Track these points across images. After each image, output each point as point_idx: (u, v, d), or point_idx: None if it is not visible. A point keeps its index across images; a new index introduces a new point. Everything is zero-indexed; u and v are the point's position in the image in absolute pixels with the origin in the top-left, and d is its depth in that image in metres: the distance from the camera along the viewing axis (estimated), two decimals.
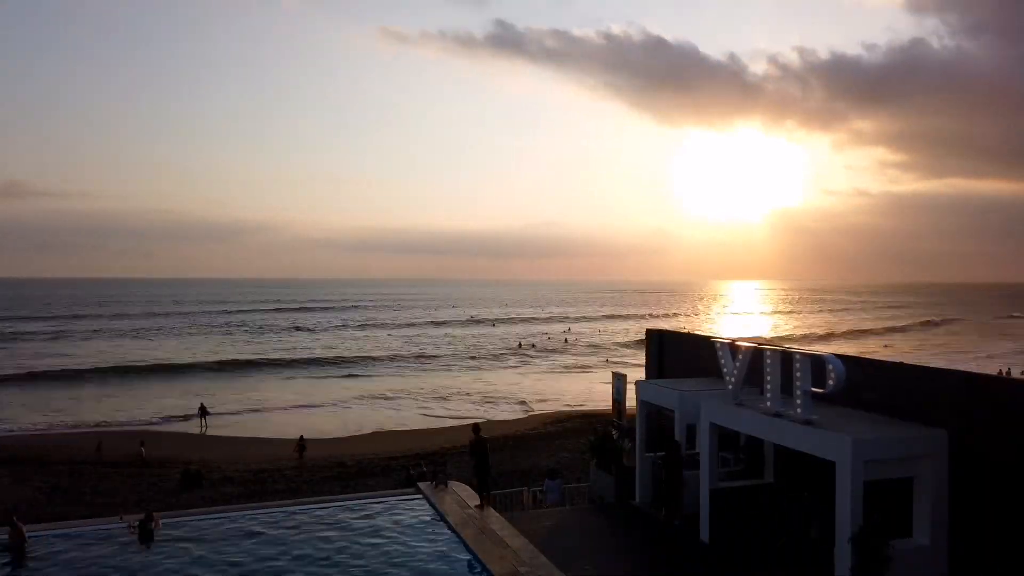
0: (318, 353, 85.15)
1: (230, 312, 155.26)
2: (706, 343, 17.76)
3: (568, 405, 52.48)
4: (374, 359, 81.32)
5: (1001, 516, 10.68)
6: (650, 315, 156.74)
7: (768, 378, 13.07)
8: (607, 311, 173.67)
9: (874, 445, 11.12)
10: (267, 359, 78.78)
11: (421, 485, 16.49)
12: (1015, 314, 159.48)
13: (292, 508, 15.26)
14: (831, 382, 11.82)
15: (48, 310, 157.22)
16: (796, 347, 14.51)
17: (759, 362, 13.43)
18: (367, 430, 44.80)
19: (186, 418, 47.75)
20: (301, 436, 38.38)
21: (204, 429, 44.31)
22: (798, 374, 12.26)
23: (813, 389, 12.10)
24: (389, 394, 59.20)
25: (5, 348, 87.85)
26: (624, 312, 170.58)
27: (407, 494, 16.22)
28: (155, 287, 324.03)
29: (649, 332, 21.76)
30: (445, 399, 56.94)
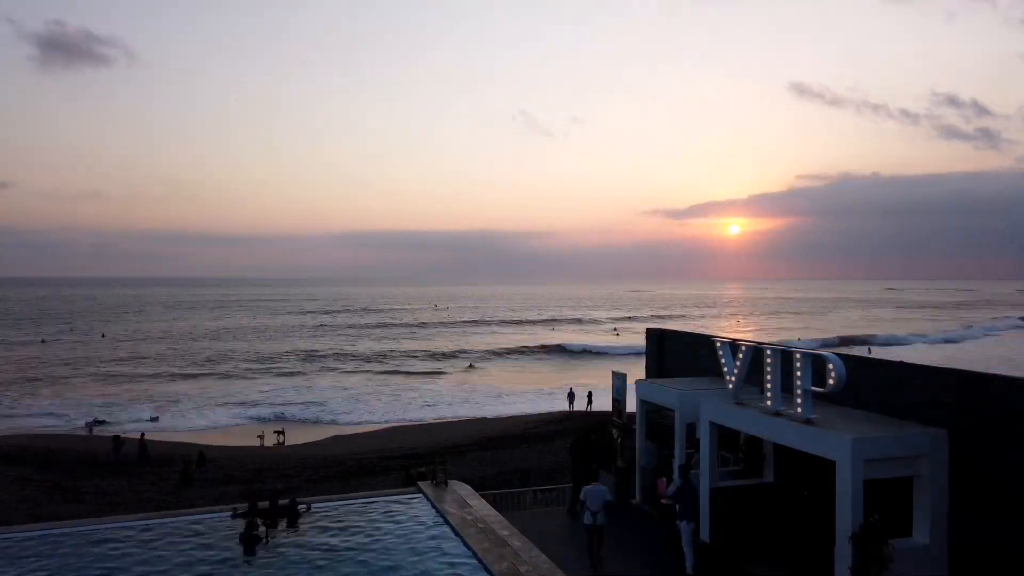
0: None
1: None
2: (706, 342, 17.76)
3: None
4: None
5: (1001, 516, 10.68)
6: None
7: (768, 377, 13.07)
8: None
9: (874, 444, 11.11)
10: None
11: (421, 484, 16.47)
12: None
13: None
14: (831, 381, 11.82)
15: None
16: (796, 346, 14.50)
17: (760, 361, 13.43)
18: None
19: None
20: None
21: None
22: (798, 373, 12.27)
23: (813, 388, 12.11)
24: None
25: None
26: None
27: (407, 493, 16.20)
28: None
29: (649, 331, 21.74)
30: None
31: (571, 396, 52.69)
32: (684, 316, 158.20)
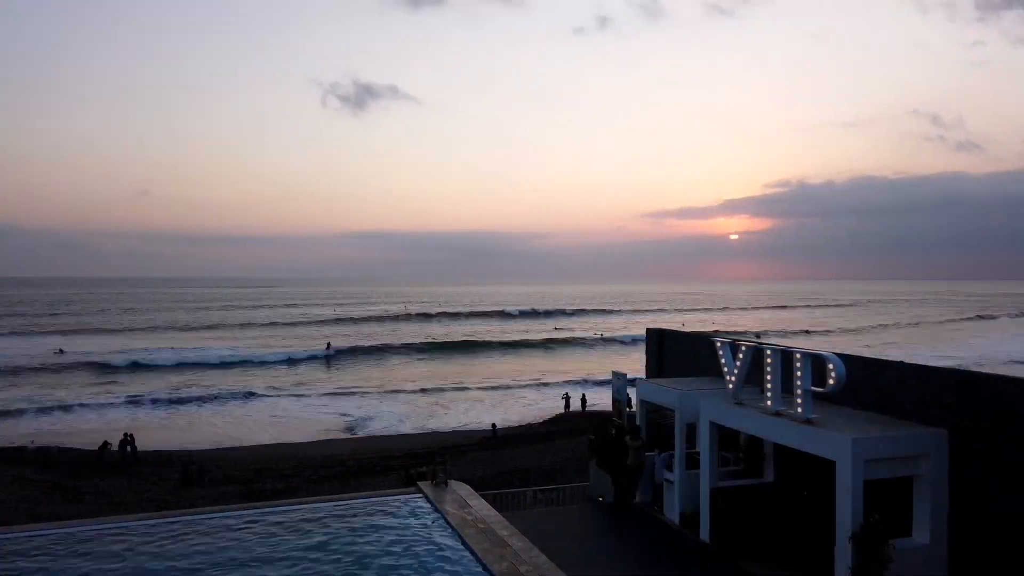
0: None
1: None
2: (706, 342, 17.76)
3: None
4: None
5: (1001, 515, 10.68)
6: None
7: (768, 377, 13.08)
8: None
9: (874, 444, 11.11)
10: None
11: (421, 484, 16.46)
12: None
13: (291, 507, 15.24)
14: (831, 381, 11.82)
15: None
16: (797, 346, 14.50)
17: (760, 361, 13.44)
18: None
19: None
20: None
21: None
22: (798, 373, 12.27)
23: (813, 388, 12.11)
24: None
25: None
26: None
27: (407, 493, 16.20)
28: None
29: (649, 331, 21.75)
30: None
31: (567, 399, 52.51)
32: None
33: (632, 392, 18.65)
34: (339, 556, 12.51)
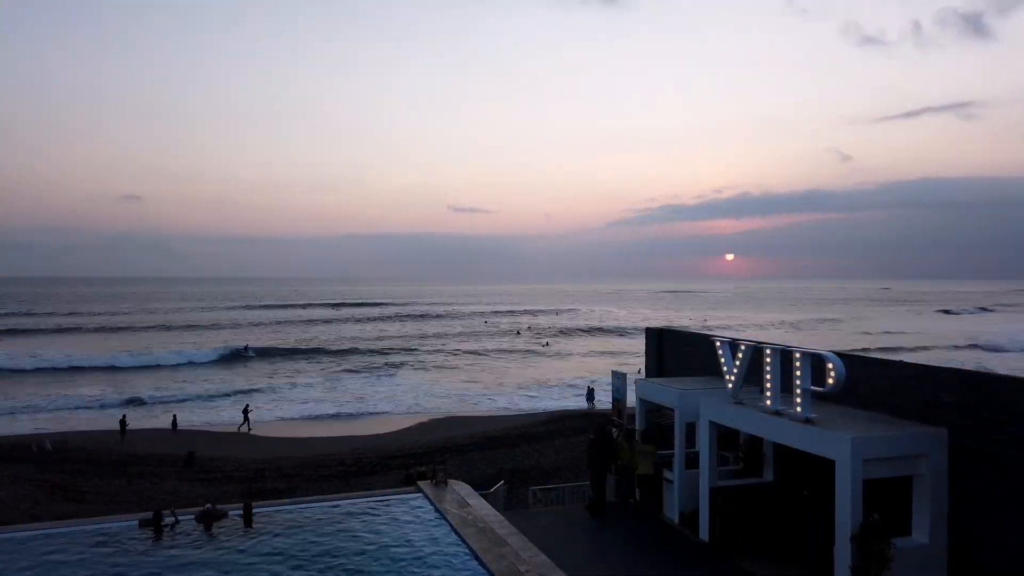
0: None
1: None
2: (706, 341, 17.77)
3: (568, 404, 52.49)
4: None
5: (1001, 515, 10.68)
6: None
7: (768, 376, 13.08)
8: None
9: (874, 444, 11.12)
10: None
11: (421, 484, 16.47)
12: None
13: (292, 506, 15.26)
14: (831, 380, 11.83)
15: None
16: (796, 346, 14.50)
17: (759, 360, 13.44)
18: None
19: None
20: None
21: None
22: (798, 372, 12.28)
23: (813, 387, 12.12)
24: None
25: None
26: None
27: (407, 492, 16.20)
28: None
29: (648, 331, 21.77)
30: None
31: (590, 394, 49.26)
32: None
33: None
34: (340, 555, 12.52)
